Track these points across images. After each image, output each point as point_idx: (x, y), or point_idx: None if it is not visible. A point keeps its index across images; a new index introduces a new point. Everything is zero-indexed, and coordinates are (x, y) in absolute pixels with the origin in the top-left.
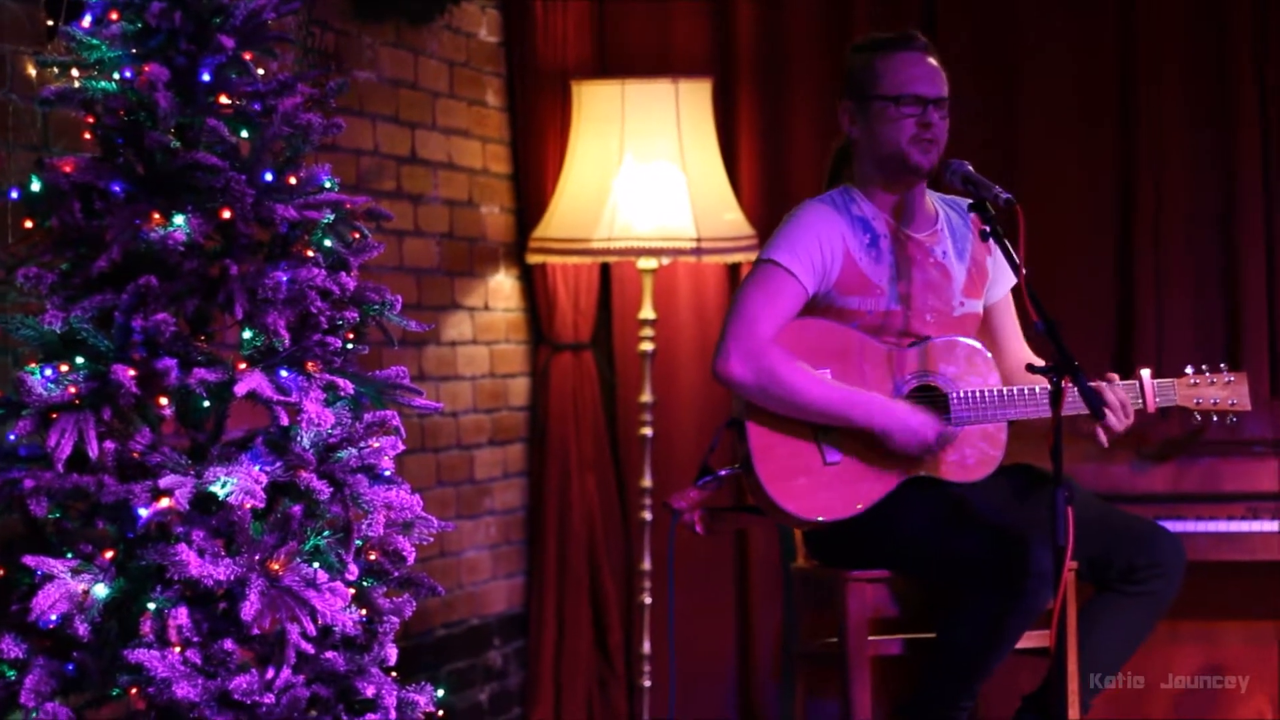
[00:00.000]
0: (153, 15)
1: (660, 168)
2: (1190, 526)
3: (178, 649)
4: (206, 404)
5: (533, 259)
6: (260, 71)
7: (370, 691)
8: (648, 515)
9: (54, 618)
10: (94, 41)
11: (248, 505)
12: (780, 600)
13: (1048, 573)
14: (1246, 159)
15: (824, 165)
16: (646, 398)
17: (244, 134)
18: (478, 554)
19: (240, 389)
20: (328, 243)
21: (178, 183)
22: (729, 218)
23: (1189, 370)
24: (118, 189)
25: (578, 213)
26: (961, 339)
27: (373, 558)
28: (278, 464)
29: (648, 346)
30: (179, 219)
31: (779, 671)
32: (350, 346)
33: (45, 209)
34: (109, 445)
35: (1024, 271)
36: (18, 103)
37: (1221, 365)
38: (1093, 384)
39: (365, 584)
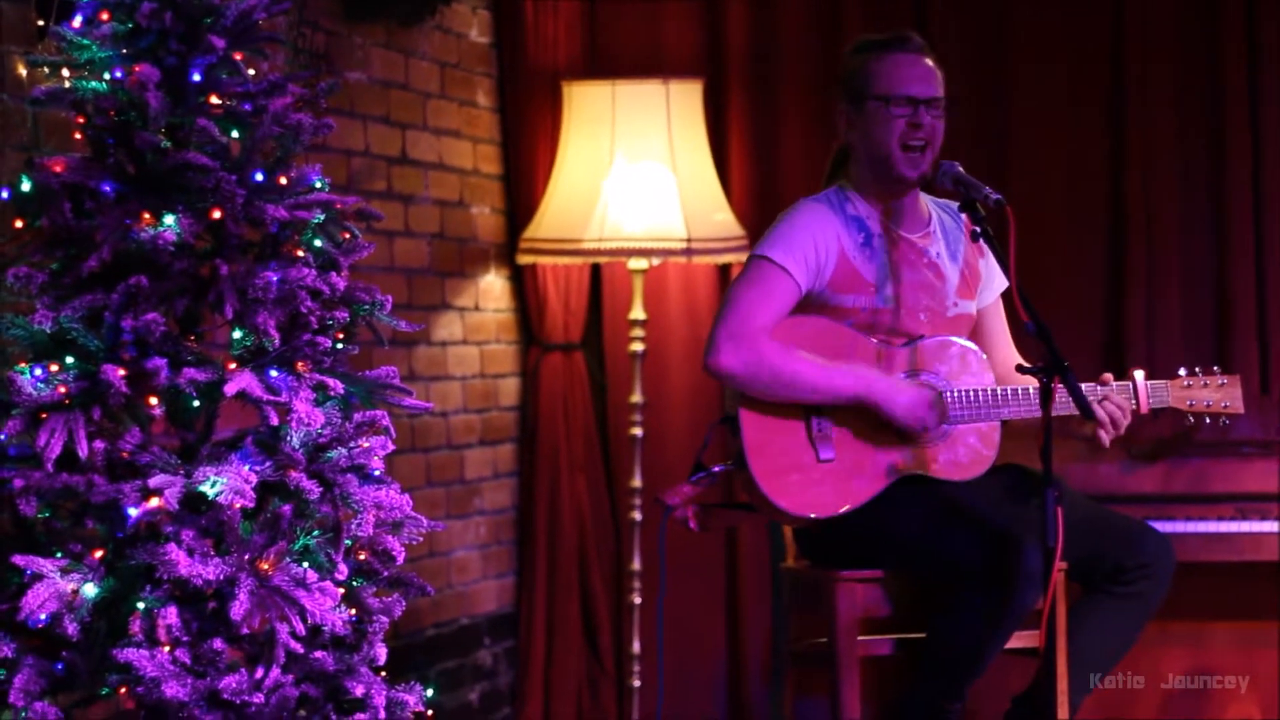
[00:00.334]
0: (143, 15)
1: (651, 168)
2: (1180, 527)
3: (167, 648)
4: (196, 404)
5: (523, 259)
6: (251, 72)
7: (359, 691)
8: (638, 515)
9: (43, 617)
10: (84, 42)
11: (237, 505)
12: (770, 600)
13: (1038, 573)
14: (1236, 160)
15: (819, 166)
16: (637, 398)
17: (234, 134)
18: (468, 554)
19: (230, 389)
20: (318, 243)
21: (168, 183)
22: (719, 218)
23: (1182, 372)
24: (108, 189)
25: (568, 213)
26: (955, 339)
27: (362, 557)
28: (267, 464)
29: (638, 347)
30: (169, 219)
31: (769, 671)
32: (340, 346)
33: (36, 209)
34: (99, 445)
35: (1014, 272)
36: (8, 102)
37: (1215, 368)
38: (1088, 395)
39: (355, 584)
